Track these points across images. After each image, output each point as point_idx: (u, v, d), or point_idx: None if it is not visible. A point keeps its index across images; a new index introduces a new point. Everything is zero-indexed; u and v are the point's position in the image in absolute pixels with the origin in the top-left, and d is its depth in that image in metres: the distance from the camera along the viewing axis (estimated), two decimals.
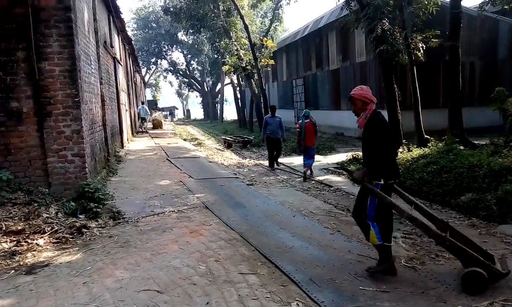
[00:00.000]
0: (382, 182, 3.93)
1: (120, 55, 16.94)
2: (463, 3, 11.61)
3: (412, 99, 11.65)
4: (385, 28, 10.26)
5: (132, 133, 19.86)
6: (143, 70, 47.73)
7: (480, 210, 6.31)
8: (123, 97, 17.04)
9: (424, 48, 11.25)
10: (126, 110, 18.19)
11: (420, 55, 11.31)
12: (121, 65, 16.68)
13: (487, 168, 7.27)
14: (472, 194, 6.74)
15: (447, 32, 11.17)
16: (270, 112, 11.60)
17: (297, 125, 10.51)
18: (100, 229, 5.64)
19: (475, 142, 10.98)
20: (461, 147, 9.77)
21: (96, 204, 6.25)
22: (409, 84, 12.36)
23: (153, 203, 6.98)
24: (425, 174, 7.96)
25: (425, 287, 3.79)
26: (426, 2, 10.61)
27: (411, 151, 10.25)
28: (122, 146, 14.60)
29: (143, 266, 4.27)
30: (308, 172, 10.18)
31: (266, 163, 12.90)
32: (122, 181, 8.81)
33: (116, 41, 16.08)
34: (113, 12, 13.81)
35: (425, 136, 11.26)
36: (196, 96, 58.86)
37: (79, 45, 7.14)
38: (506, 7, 9.34)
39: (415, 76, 11.43)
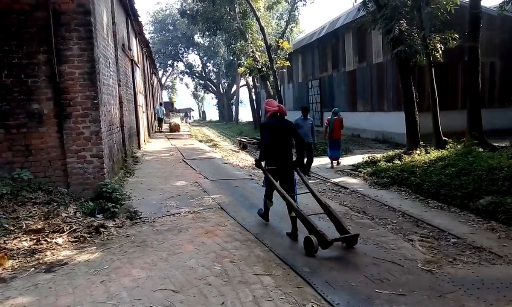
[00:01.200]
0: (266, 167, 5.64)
1: (137, 57, 17.16)
2: (482, 3, 11.50)
3: (430, 100, 11.48)
4: (403, 29, 10.16)
5: (149, 134, 20.10)
6: (160, 72, 48.29)
7: (500, 214, 6.17)
8: (140, 99, 17.25)
9: (443, 48, 11.07)
10: (143, 112, 18.42)
11: (438, 56, 11.13)
12: (138, 67, 16.90)
13: (507, 171, 7.12)
14: (492, 197, 6.61)
15: (466, 32, 10.98)
16: (301, 114, 10.26)
17: (326, 121, 11.74)
18: (117, 228, 5.72)
19: (494, 144, 10.75)
20: (480, 149, 9.58)
21: (113, 204, 6.34)
22: (427, 85, 12.18)
23: (169, 203, 7.05)
24: (443, 176, 7.84)
25: (442, 290, 3.73)
26: (444, 2, 10.45)
27: (429, 153, 10.10)
28: (139, 147, 14.77)
29: (159, 266, 4.32)
30: (335, 163, 11.92)
31: None
32: (139, 182, 8.93)
33: (134, 44, 16.30)
34: (131, 15, 14.01)
35: (443, 138, 11.08)
36: (212, 98, 59.19)
37: (98, 48, 7.27)
38: None
39: (433, 77, 11.26)
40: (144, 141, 17.52)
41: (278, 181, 5.60)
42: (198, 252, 4.68)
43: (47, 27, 6.54)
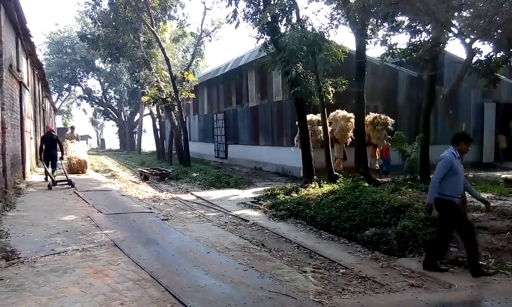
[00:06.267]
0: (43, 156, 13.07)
1: (28, 79, 15.75)
2: (367, 53, 12.83)
3: (323, 138, 12.39)
4: (299, 71, 10.92)
5: (37, 163, 18.28)
6: (55, 96, 44.83)
7: (382, 244, 6.76)
8: (29, 124, 15.75)
9: (334, 91, 12.14)
10: (31, 138, 16.79)
11: (330, 98, 12.17)
12: (28, 90, 15.48)
13: (388, 204, 7.88)
14: (375, 229, 7.24)
15: (354, 79, 12.21)
16: (453, 146, 5.63)
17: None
18: None
19: (378, 179, 11.92)
20: (366, 184, 10.53)
21: None
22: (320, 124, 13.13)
23: (54, 241, 6.40)
24: (334, 209, 8.40)
25: None
26: (335, 50, 11.53)
27: (322, 186, 10.78)
28: (24, 177, 13.35)
29: None
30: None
31: (184, 196, 12.63)
32: (20, 216, 8.00)
33: (24, 65, 14.98)
34: (22, 35, 12.91)
35: (335, 172, 11.95)
36: (113, 126, 56.40)
37: None
38: (403, 59, 10.58)
39: (326, 117, 12.21)
40: (31, 170, 15.89)
41: (49, 163, 13.20)
42: (84, 295, 4.30)
43: None
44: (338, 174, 11.79)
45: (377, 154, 14.45)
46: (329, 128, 13.53)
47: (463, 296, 4.71)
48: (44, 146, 13.11)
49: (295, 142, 14.56)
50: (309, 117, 13.96)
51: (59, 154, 13.92)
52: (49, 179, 12.43)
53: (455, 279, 5.20)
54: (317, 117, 14.03)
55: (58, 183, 12.17)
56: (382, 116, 14.32)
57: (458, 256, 5.77)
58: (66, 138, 20.41)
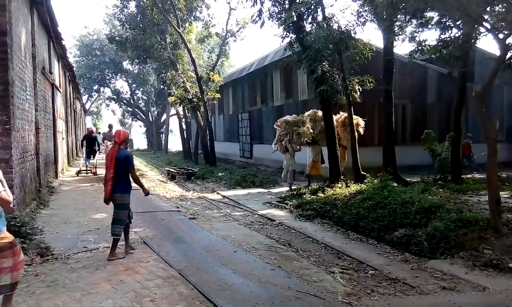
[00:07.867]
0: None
1: (59, 81, 16.28)
2: (395, 50, 12.57)
3: (350, 137, 12.21)
4: (325, 70, 10.81)
5: (69, 162, 18.87)
6: (84, 97, 46.10)
7: (412, 246, 6.62)
8: (60, 125, 16.28)
9: (361, 90, 11.96)
10: (63, 138, 17.35)
11: (357, 97, 11.99)
12: (59, 91, 16.01)
13: (418, 205, 7.68)
14: (405, 230, 7.08)
15: (381, 76, 11.99)
16: None
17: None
18: (26, 267, 5.19)
19: (407, 179, 11.66)
20: (395, 184, 10.31)
21: (22, 239, 5.75)
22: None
23: (86, 238, 6.60)
24: (362, 209, 8.27)
25: None
26: (362, 48, 11.35)
27: (349, 186, 10.63)
28: (56, 176, 13.80)
29: None
30: None
31: (211, 196, 12.73)
32: (53, 214, 8.29)
33: (56, 67, 15.47)
34: (54, 38, 13.34)
35: (362, 172, 11.77)
36: (140, 126, 57.52)
37: (13, 70, 6.78)
38: (433, 56, 10.31)
39: (352, 116, 12.04)
40: (63, 169, 16.42)
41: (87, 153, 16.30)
42: (115, 292, 4.40)
43: None
44: (365, 174, 11.59)
45: (345, 156, 13.09)
46: (309, 130, 12.59)
47: (498, 299, 4.55)
48: (85, 142, 16.71)
49: (273, 146, 13.79)
50: (283, 119, 13.20)
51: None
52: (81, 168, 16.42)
53: (490, 282, 5.03)
54: (292, 117, 13.02)
55: (82, 171, 16.01)
56: (353, 117, 12.78)
57: (492, 259, 5.58)
58: (105, 139, 18.12)
